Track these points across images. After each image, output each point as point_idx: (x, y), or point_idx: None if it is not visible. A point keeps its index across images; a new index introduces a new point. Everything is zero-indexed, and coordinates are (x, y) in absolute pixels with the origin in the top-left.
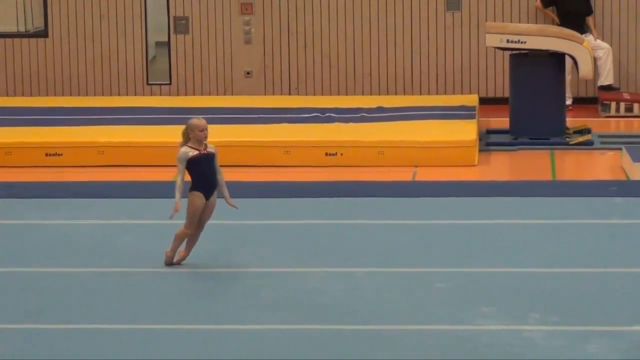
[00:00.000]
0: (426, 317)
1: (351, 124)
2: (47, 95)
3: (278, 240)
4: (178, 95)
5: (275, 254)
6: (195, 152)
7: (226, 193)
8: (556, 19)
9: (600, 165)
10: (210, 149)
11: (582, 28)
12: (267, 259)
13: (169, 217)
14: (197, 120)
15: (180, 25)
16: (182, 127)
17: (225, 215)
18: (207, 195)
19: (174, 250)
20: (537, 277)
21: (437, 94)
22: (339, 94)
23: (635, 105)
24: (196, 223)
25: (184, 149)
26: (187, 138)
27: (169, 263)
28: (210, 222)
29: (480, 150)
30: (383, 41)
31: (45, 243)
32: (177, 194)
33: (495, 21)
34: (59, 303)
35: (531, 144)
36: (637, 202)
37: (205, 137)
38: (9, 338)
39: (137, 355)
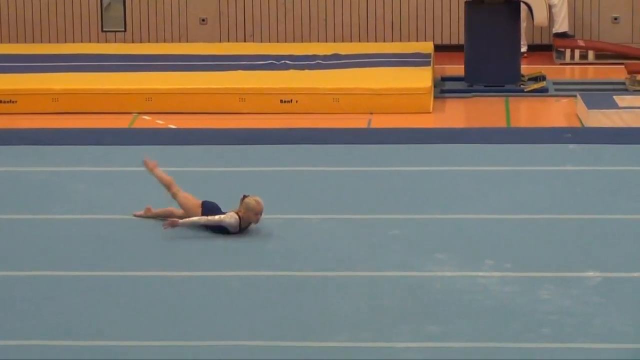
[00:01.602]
0: (380, 264)
1: (306, 71)
2: (0, 42)
3: (232, 187)
4: (133, 42)
5: (229, 201)
6: (236, 231)
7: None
8: None
9: (555, 112)
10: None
11: None
12: (222, 206)
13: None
14: (256, 204)
15: None
16: (137, 74)
17: (180, 163)
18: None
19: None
20: (491, 223)
21: (392, 41)
22: (294, 41)
23: (590, 53)
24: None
25: (234, 221)
26: (240, 205)
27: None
28: (167, 168)
29: (435, 98)
30: None
31: None
32: (192, 219)
33: None
34: (12, 250)
35: (486, 91)
36: (591, 148)
37: (257, 222)
38: None
39: (91, 301)
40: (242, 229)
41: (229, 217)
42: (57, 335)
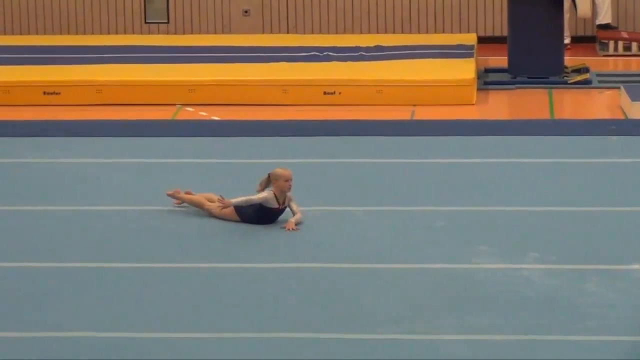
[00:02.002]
0: (423, 256)
1: (349, 63)
2: (44, 33)
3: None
4: (176, 34)
5: None
6: (275, 206)
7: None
8: None
9: (599, 104)
10: (288, 200)
11: None
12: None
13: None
14: (282, 170)
15: None
16: (180, 65)
17: (223, 154)
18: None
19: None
20: (536, 216)
21: (435, 32)
22: (337, 33)
23: (634, 44)
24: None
25: (269, 194)
26: (267, 184)
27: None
28: (209, 160)
29: (479, 89)
30: None
31: (41, 181)
32: (238, 199)
33: None
34: (54, 241)
35: (529, 82)
36: (635, 140)
37: (290, 188)
38: (5, 275)
39: (135, 293)
40: (282, 204)
41: (265, 194)
42: (101, 327)
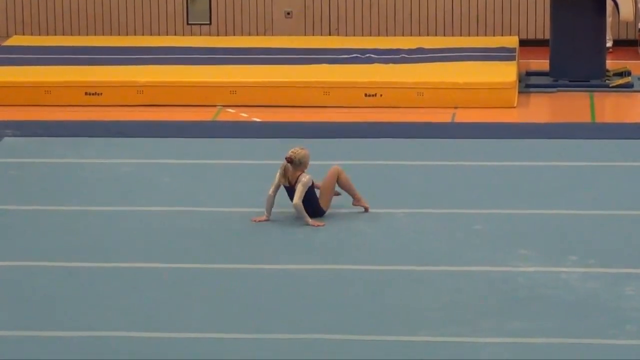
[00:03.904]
0: (464, 259)
1: (391, 65)
2: (87, 34)
3: (316, 181)
4: (218, 35)
5: None
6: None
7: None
8: None
9: None
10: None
11: None
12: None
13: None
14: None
15: None
16: (221, 67)
17: (264, 156)
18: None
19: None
20: (575, 219)
21: (477, 35)
22: (378, 35)
23: None
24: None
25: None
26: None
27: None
28: (249, 161)
29: (520, 92)
30: None
31: (83, 182)
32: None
33: None
34: (97, 242)
35: (571, 86)
36: None
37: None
38: (47, 275)
39: (174, 294)
40: (290, 183)
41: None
42: (140, 327)
